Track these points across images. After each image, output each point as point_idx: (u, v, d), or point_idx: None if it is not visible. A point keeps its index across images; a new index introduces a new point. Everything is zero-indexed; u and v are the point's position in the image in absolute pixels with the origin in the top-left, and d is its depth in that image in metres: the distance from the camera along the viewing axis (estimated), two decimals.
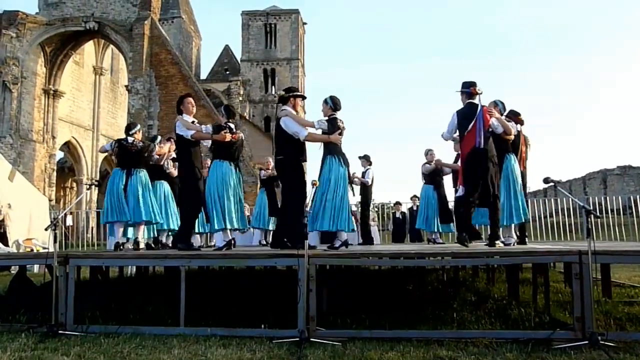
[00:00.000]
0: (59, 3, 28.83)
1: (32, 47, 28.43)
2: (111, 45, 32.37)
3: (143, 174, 6.68)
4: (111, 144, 6.89)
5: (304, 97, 6.11)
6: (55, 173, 30.61)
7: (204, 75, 52.46)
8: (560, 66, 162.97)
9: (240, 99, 43.62)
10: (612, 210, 15.77)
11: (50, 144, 30.03)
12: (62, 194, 36.03)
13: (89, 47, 33.75)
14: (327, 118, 5.95)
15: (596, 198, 17.56)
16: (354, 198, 9.58)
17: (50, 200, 22.57)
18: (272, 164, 9.51)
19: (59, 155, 33.87)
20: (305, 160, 6.04)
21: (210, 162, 6.19)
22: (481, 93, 5.77)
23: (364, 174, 9.67)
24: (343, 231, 5.71)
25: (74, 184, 36.36)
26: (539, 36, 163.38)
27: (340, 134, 5.86)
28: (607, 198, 17.07)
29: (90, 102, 35.83)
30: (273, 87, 50.72)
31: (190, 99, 6.63)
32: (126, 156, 6.62)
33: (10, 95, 27.62)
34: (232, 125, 6.22)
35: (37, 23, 28.50)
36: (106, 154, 6.97)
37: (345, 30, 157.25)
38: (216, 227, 5.91)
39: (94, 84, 36.14)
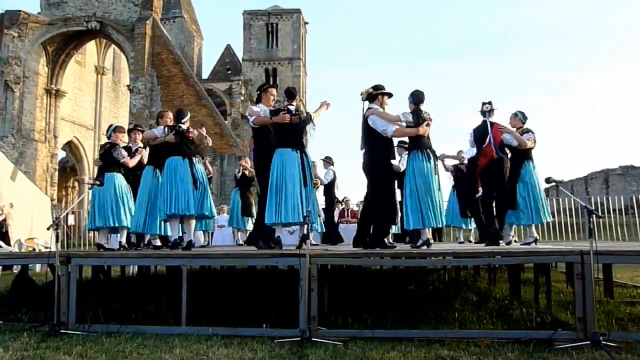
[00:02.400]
0: (60, 3, 28.90)
1: (34, 47, 28.50)
2: (113, 45, 32.47)
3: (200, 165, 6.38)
4: (163, 129, 6.38)
5: (390, 95, 5.89)
6: (57, 172, 30.69)
7: (205, 74, 52.51)
8: (561, 65, 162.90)
9: (242, 98, 43.62)
10: (614, 210, 15.77)
11: (52, 144, 30.11)
12: (64, 193, 36.13)
13: (90, 46, 33.83)
14: (411, 110, 5.83)
15: (598, 198, 17.51)
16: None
17: (52, 200, 22.63)
18: (249, 163, 9.41)
19: (61, 154, 33.95)
20: (394, 157, 5.98)
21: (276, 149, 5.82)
22: (489, 110, 6.44)
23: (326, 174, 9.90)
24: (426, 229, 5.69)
25: (76, 184, 36.46)
26: (540, 35, 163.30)
27: (427, 125, 5.75)
28: (609, 198, 17.05)
29: (92, 102, 35.91)
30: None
31: (273, 90, 6.23)
32: (186, 144, 6.22)
33: (13, 94, 27.70)
34: (292, 108, 5.86)
35: (39, 23, 28.57)
36: (156, 140, 6.45)
37: (347, 29, 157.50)
38: (266, 220, 5.67)
39: (95, 84, 36.21)
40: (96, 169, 7.00)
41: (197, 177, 6.13)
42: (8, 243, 11.66)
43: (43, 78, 29.53)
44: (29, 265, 7.67)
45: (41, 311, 5.08)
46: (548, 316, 5.07)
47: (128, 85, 28.81)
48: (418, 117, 5.70)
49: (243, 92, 44.48)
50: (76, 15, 28.54)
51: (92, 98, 35.94)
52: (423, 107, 5.82)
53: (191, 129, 6.33)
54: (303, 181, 5.70)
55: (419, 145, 5.71)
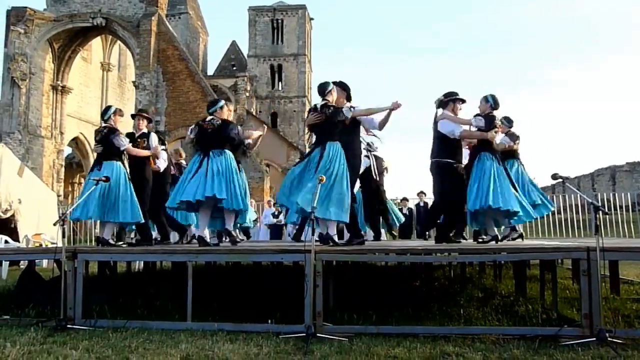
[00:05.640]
0: None
1: (40, 44, 28.55)
2: (118, 42, 32.49)
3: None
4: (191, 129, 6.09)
5: (464, 101, 6.02)
6: (63, 169, 30.78)
7: (210, 71, 52.55)
8: (567, 62, 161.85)
9: (247, 94, 43.65)
10: (620, 207, 15.71)
11: (58, 140, 30.20)
12: (70, 189, 36.29)
13: (96, 43, 33.88)
14: (483, 115, 6.05)
15: (605, 194, 17.47)
16: None
17: (58, 196, 22.71)
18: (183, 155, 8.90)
19: (67, 151, 34.05)
20: (461, 162, 6.05)
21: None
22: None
23: None
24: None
25: (82, 180, 36.56)
26: (545, 32, 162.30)
27: (495, 132, 6.04)
28: (616, 194, 16.99)
29: (98, 98, 35.99)
30: (280, 83, 50.73)
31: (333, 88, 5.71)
32: (206, 137, 5.83)
33: (19, 91, 27.79)
34: (319, 105, 5.59)
35: (45, 19, 28.62)
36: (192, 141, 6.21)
37: (353, 25, 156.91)
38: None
39: (101, 80, 36.30)
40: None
41: (208, 170, 5.66)
42: (16, 239, 11.73)
43: (49, 74, 29.60)
44: (36, 260, 7.71)
45: (48, 306, 5.11)
46: (554, 313, 5.05)
47: (134, 82, 28.80)
48: (490, 123, 5.99)
49: (248, 88, 44.50)
50: (82, 11, 28.57)
51: (97, 94, 36.02)
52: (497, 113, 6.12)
53: (215, 120, 5.89)
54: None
55: (488, 148, 5.99)
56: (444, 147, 5.89)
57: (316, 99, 5.91)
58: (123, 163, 6.38)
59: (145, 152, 6.73)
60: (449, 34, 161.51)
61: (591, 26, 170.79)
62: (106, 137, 6.24)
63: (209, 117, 5.93)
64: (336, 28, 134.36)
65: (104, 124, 6.43)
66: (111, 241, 6.25)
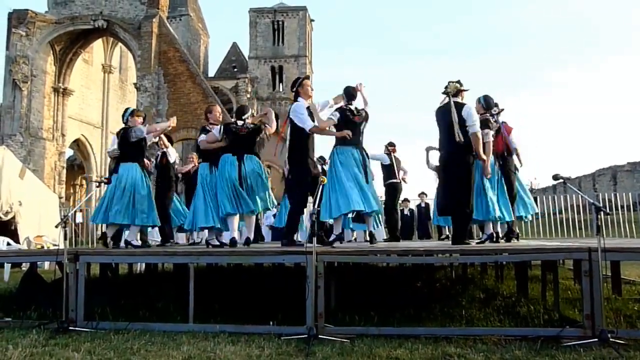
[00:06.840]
0: (67, 2, 29.03)
1: (41, 46, 28.65)
2: (120, 44, 32.58)
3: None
4: (219, 130, 6.22)
5: (466, 90, 5.91)
6: (65, 171, 30.87)
7: (211, 72, 52.59)
8: (567, 64, 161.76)
9: (248, 96, 43.69)
10: (622, 207, 15.68)
11: (59, 142, 30.27)
12: (71, 191, 36.40)
13: (97, 45, 33.99)
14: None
15: (606, 195, 17.46)
16: None
17: (60, 198, 22.76)
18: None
19: (69, 152, 34.15)
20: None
21: (333, 148, 5.74)
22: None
23: None
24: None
25: (84, 182, 36.68)
26: (545, 34, 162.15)
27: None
28: (617, 194, 16.96)
29: (99, 100, 36.09)
30: (281, 84, 50.72)
31: (309, 81, 6.04)
32: (239, 141, 6.05)
33: (21, 93, 27.88)
34: (353, 108, 5.74)
35: (47, 22, 28.71)
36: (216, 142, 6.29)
37: (353, 26, 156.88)
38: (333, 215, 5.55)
39: (102, 82, 36.40)
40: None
41: (242, 174, 5.94)
42: (17, 241, 11.74)
43: (50, 77, 29.68)
44: (38, 262, 7.72)
45: (50, 308, 5.11)
46: (555, 313, 5.05)
47: (135, 84, 28.88)
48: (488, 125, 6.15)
49: (249, 89, 44.56)
50: (83, 13, 28.67)
51: (99, 96, 36.11)
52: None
53: (247, 124, 6.13)
54: (364, 178, 5.63)
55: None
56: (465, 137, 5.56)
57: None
58: (140, 164, 6.38)
59: (163, 125, 7.11)
60: (450, 35, 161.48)
61: (591, 27, 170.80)
62: (123, 136, 6.37)
63: (240, 122, 6.18)
64: (337, 29, 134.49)
65: (123, 127, 6.54)
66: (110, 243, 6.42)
